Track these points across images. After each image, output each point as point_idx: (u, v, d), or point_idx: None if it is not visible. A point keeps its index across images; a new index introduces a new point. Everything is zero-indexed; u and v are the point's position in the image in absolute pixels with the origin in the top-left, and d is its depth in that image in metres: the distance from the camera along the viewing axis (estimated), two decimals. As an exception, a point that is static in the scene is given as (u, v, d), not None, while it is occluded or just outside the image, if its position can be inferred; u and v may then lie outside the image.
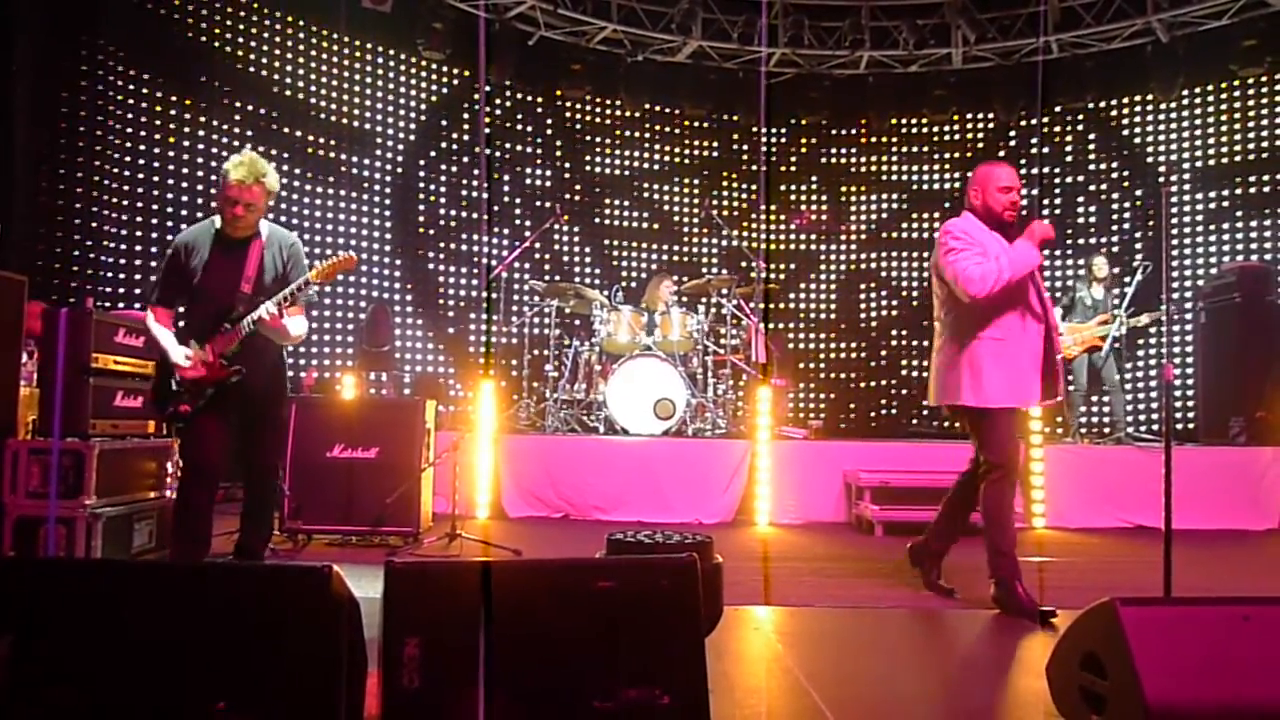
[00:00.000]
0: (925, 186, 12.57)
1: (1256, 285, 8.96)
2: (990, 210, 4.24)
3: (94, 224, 8.29)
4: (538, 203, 11.72)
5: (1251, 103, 10.89)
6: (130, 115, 8.63)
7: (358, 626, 2.13)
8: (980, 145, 12.39)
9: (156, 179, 8.82)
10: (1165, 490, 3.60)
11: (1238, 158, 10.96)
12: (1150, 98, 11.37)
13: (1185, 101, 11.24)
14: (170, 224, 8.85)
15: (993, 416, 4.14)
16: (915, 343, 12.36)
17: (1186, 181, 11.10)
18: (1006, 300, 4.09)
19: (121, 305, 8.23)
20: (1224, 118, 11.04)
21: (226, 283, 4.18)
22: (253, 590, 1.98)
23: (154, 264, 8.70)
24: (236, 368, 4.14)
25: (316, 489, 5.72)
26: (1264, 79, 10.71)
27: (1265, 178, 10.76)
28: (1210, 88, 11.08)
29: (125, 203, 8.58)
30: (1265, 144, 10.78)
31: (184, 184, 9.01)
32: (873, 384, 12.43)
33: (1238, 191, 10.91)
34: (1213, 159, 11.10)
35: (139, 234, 8.66)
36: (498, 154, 11.50)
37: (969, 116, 12.38)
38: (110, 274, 8.44)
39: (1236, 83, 10.88)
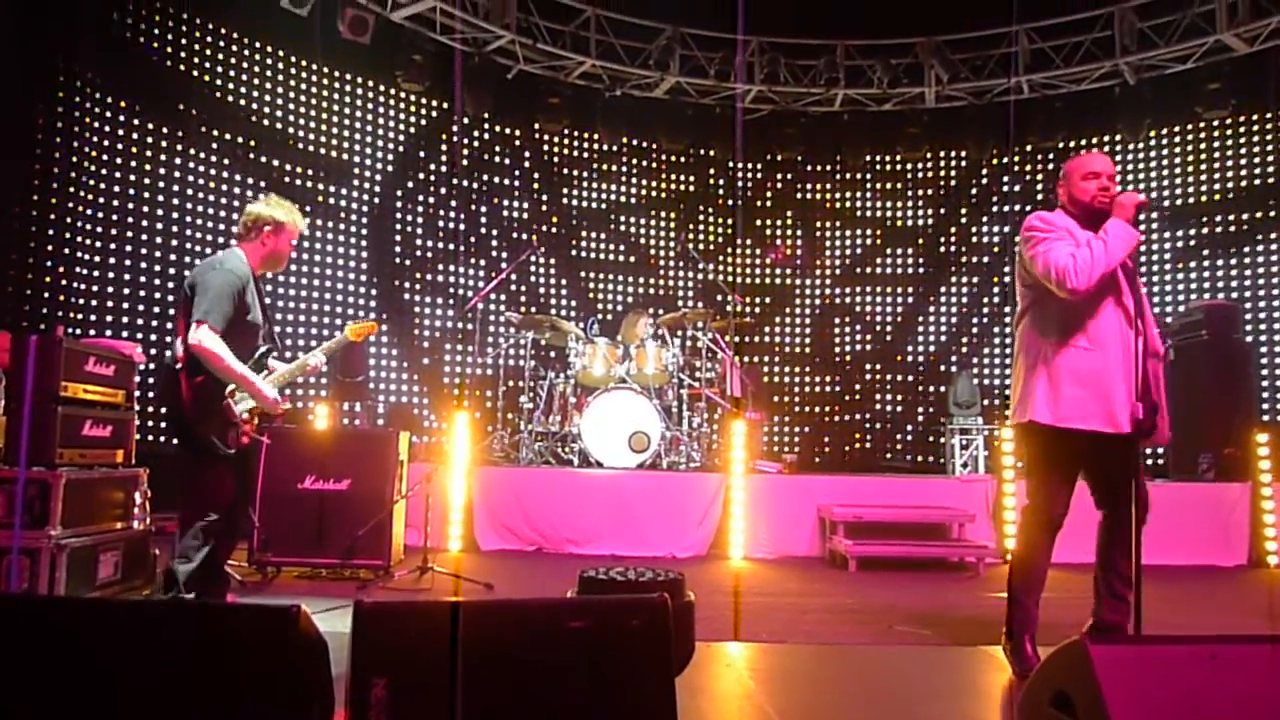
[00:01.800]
0: (899, 223, 12.71)
1: (1224, 323, 9.09)
2: (1078, 200, 3.67)
3: (67, 250, 8.22)
4: (515, 234, 11.75)
5: (1216, 144, 11.13)
6: (106, 143, 8.60)
7: (325, 667, 2.10)
8: (953, 182, 12.57)
9: (131, 206, 8.78)
10: (1135, 529, 3.55)
11: (1204, 197, 11.18)
12: (1119, 138, 11.59)
13: (1153, 142, 11.46)
14: (144, 252, 8.81)
15: (1043, 439, 3.62)
16: (889, 377, 12.46)
17: (1154, 220, 11.29)
18: (1094, 299, 3.50)
19: (93, 333, 8.15)
20: (1190, 158, 11.27)
21: (263, 320, 4.29)
22: (219, 630, 1.95)
23: (126, 291, 8.64)
24: (286, 406, 4.23)
25: (287, 520, 5.66)
26: (1228, 121, 10.96)
27: (1230, 217, 10.98)
28: (1177, 129, 11.32)
29: (99, 230, 8.52)
30: (1230, 184, 11.01)
31: (159, 212, 8.96)
32: (847, 418, 12.49)
33: (1204, 231, 11.11)
34: (1180, 199, 11.31)
35: (112, 261, 8.60)
36: (475, 185, 11.52)
37: (942, 154, 12.56)
38: (82, 301, 8.36)
39: (1202, 125, 11.11)
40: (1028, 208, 12.07)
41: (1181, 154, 11.34)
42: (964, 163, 12.48)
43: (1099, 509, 3.74)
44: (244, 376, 4.03)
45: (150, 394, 8.58)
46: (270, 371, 4.26)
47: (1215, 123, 11.04)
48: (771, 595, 5.77)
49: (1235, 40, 10.12)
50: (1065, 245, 3.48)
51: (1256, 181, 10.83)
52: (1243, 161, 10.97)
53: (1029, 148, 12.01)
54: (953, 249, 12.49)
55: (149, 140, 8.94)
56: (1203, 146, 11.21)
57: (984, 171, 12.37)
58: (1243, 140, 10.97)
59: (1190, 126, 11.22)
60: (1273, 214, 10.76)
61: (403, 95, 11.10)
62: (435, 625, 1.98)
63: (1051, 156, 12.00)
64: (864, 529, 6.97)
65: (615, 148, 12.18)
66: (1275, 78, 10.07)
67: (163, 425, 8.63)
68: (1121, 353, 3.49)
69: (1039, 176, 12.12)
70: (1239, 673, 2.39)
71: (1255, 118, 10.87)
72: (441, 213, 11.39)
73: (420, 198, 11.29)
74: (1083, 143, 11.79)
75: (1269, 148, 10.81)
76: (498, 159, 11.82)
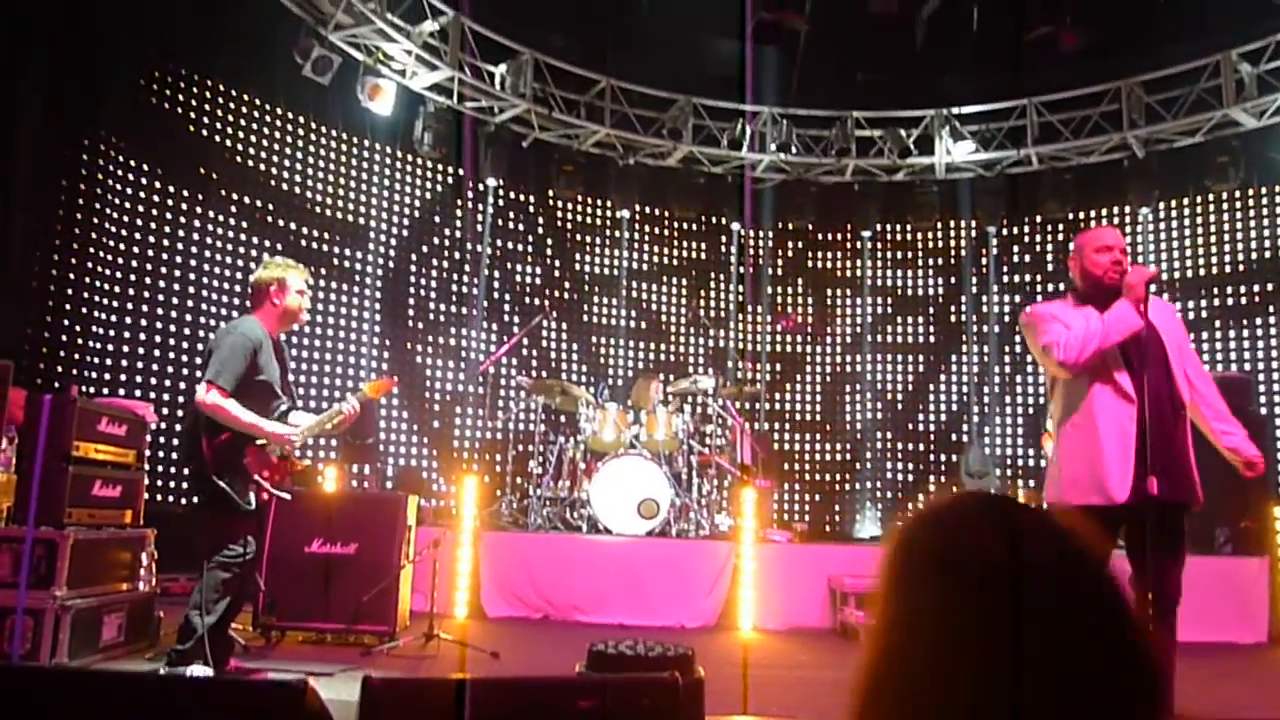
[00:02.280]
0: (909, 292, 12.76)
1: (1237, 395, 9.01)
2: (1089, 275, 3.72)
3: (85, 310, 8.30)
4: (527, 299, 11.83)
5: (1225, 216, 11.18)
6: (127, 205, 8.73)
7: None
8: (963, 252, 12.64)
9: (149, 267, 8.88)
10: (1155, 602, 3.49)
11: (1214, 269, 11.21)
12: (1128, 210, 11.66)
13: (1162, 214, 11.53)
14: (161, 313, 8.89)
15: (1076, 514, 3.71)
16: (900, 446, 12.39)
17: (1165, 292, 11.31)
18: (1089, 377, 3.58)
19: (107, 392, 8.20)
20: (1200, 230, 11.33)
21: (283, 380, 4.50)
22: (225, 704, 1.93)
23: (141, 351, 8.70)
24: (308, 463, 4.41)
25: (293, 584, 5.62)
26: (1236, 194, 11.03)
27: (1242, 289, 10.99)
28: (1185, 201, 11.39)
29: (117, 290, 8.61)
30: (1240, 256, 11.04)
31: (176, 273, 9.06)
32: (857, 486, 12.40)
33: (1215, 302, 11.12)
34: (1190, 270, 11.34)
35: (128, 321, 8.67)
36: (489, 251, 11.63)
37: (952, 224, 12.65)
38: (98, 360, 8.42)
39: (1210, 197, 11.19)
40: (1038, 278, 12.14)
41: (1191, 226, 11.40)
42: (974, 233, 12.55)
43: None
44: (253, 424, 4.21)
45: (161, 454, 8.62)
46: (295, 426, 4.41)
47: (1224, 195, 11.11)
48: (782, 668, 5.68)
49: (1243, 115, 10.23)
50: (1058, 324, 3.62)
51: (1267, 254, 10.86)
52: (1253, 234, 11.00)
53: (1039, 218, 12.09)
54: (963, 318, 12.51)
55: (169, 203, 9.07)
56: (1212, 219, 11.27)
57: (994, 242, 12.44)
58: (1252, 213, 11.03)
59: (1199, 199, 11.30)
60: (1285, 286, 10.78)
61: (419, 162, 11.27)
62: (444, 702, 1.95)
63: (1061, 227, 12.07)
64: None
65: (628, 214, 12.31)
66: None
67: (183, 485, 8.65)
68: (1115, 425, 3.50)
69: (1049, 247, 12.18)
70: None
71: (1265, 190, 10.94)
72: (455, 277, 11.48)
73: (434, 262, 11.40)
74: (1092, 214, 11.87)
75: (1277, 220, 10.86)
76: (512, 224, 11.94)
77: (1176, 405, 3.60)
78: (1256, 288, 10.92)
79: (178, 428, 8.82)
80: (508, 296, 11.79)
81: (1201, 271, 11.28)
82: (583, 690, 2.06)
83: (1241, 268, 11.03)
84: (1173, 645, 3.47)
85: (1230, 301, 11.05)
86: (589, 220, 12.42)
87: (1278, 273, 10.82)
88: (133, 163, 8.79)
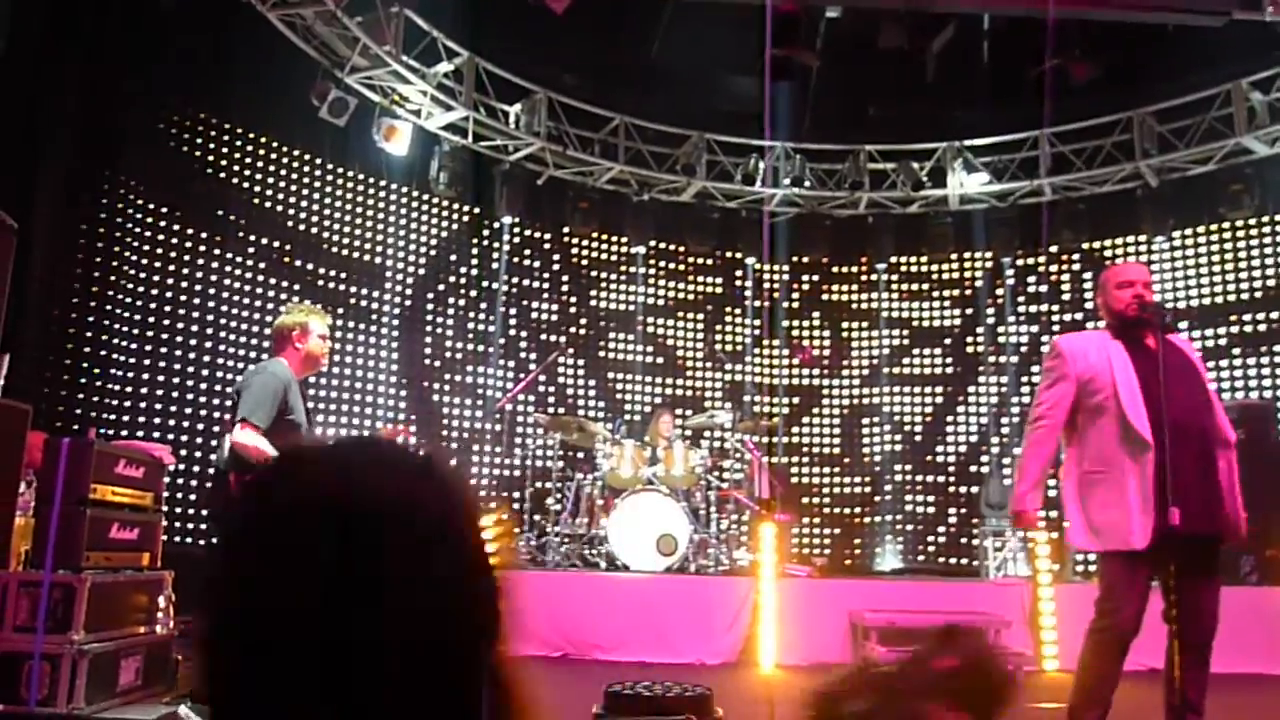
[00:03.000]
0: (926, 323, 12.71)
1: (1260, 422, 8.94)
2: (1113, 310, 3.80)
3: (103, 353, 8.38)
4: (543, 336, 11.85)
5: (1241, 245, 11.12)
6: (146, 248, 8.83)
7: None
8: (979, 283, 12.60)
9: (168, 309, 8.96)
10: (1182, 635, 3.41)
11: (1230, 297, 11.13)
12: (1143, 239, 11.62)
13: (1177, 243, 11.47)
14: (179, 354, 8.95)
15: (1100, 560, 3.74)
16: (919, 478, 12.28)
17: (1183, 319, 11.23)
18: (1104, 425, 3.63)
19: (125, 434, 8.24)
20: (1215, 259, 11.26)
21: (306, 422, 4.60)
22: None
23: (160, 393, 8.75)
24: None
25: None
26: (1251, 221, 10.98)
27: (1260, 316, 10.90)
28: (1200, 229, 11.34)
29: (135, 332, 8.69)
30: (1258, 284, 10.96)
31: (194, 314, 9.14)
32: (877, 519, 12.30)
33: (1234, 330, 11.02)
34: (1207, 298, 11.26)
35: (147, 363, 8.74)
36: (505, 288, 11.68)
37: (967, 255, 12.62)
38: (116, 401, 8.48)
39: (1225, 225, 11.14)
40: (1054, 308, 12.08)
41: (1207, 254, 11.33)
42: (989, 263, 12.52)
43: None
44: None
45: (180, 495, 8.64)
46: None
47: (1239, 223, 11.06)
48: (802, 705, 5.59)
49: (1255, 143, 10.21)
50: (1044, 396, 3.83)
51: (1284, 282, 10.81)
52: (1269, 260, 10.94)
53: (1054, 248, 12.05)
54: (980, 349, 12.45)
55: (187, 245, 9.17)
56: (1228, 246, 11.21)
57: (1009, 272, 12.40)
58: (1267, 240, 10.97)
59: (1214, 227, 11.25)
60: (1301, 313, 10.71)
61: (435, 201, 11.36)
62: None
63: (1076, 257, 12.03)
64: (897, 635, 6.78)
65: (643, 250, 12.34)
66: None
67: (202, 526, 8.67)
68: (1134, 473, 3.49)
69: (1064, 277, 12.13)
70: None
71: (1279, 218, 10.89)
72: (471, 315, 11.52)
73: (451, 300, 11.44)
74: (1107, 244, 11.83)
75: (1293, 248, 10.82)
76: (527, 261, 11.99)
77: (1209, 437, 3.57)
78: (1275, 315, 10.83)
79: (195, 469, 8.86)
80: (524, 334, 11.80)
81: (1219, 299, 11.20)
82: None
83: (1259, 294, 10.94)
84: (1205, 679, 3.41)
85: (1249, 329, 10.96)
86: (604, 256, 12.46)
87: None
88: (151, 205, 8.90)
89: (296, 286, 9.90)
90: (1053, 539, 7.71)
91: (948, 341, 12.58)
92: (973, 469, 12.11)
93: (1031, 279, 12.29)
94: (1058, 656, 6.94)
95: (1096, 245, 11.88)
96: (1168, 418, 3.43)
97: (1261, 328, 10.87)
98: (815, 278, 12.92)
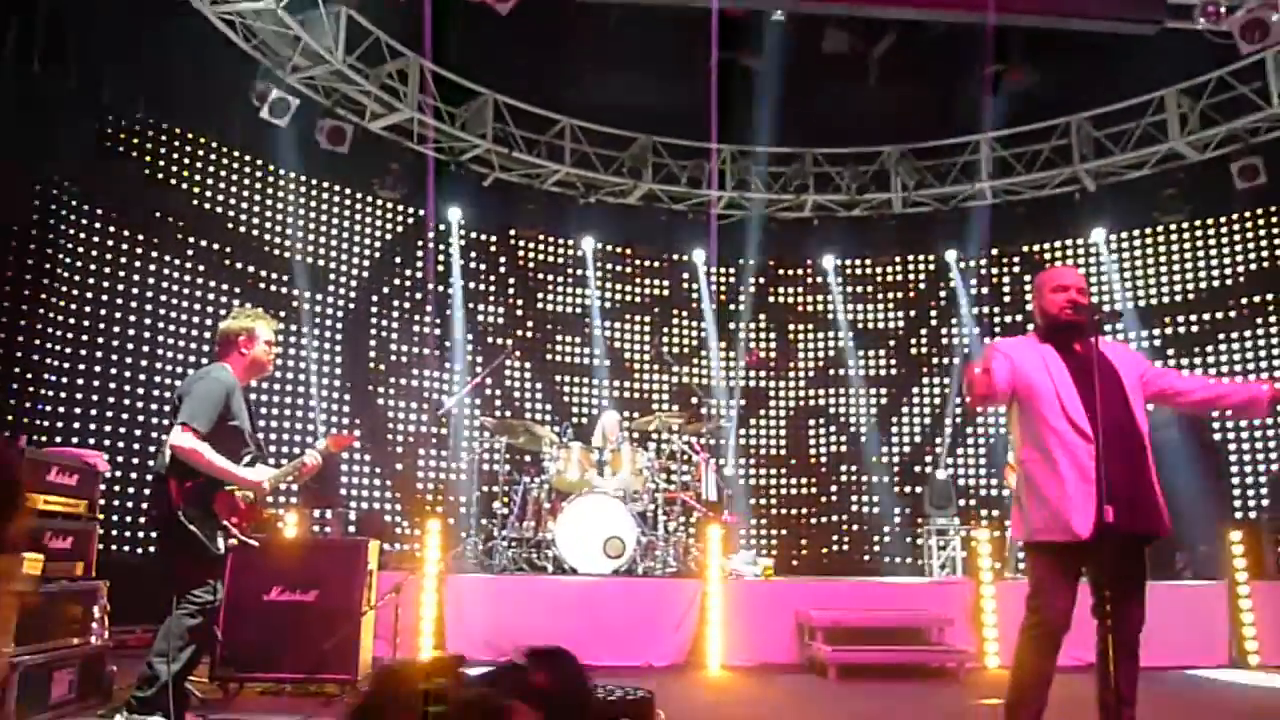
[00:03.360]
0: (870, 325, 12.87)
1: (1194, 422, 9.19)
2: (1046, 314, 3.80)
3: (35, 357, 8.16)
4: (489, 339, 11.78)
5: (1175, 247, 11.44)
6: (80, 250, 8.63)
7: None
8: (922, 285, 12.78)
9: (104, 313, 8.76)
10: (1116, 632, 3.48)
11: (1165, 299, 11.44)
12: (1080, 241, 11.90)
13: (1113, 246, 11.76)
14: (115, 358, 8.75)
15: (1031, 555, 3.72)
16: (865, 478, 12.42)
17: (1120, 321, 11.49)
18: (1048, 416, 3.63)
19: (59, 441, 8.03)
20: (1150, 262, 11.57)
21: (253, 427, 4.50)
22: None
23: (95, 399, 8.55)
24: (275, 513, 4.43)
25: (251, 634, 5.49)
26: (1184, 225, 11.30)
27: (1193, 318, 11.23)
28: (1136, 233, 11.63)
29: (70, 336, 8.48)
30: (1190, 286, 11.30)
31: (131, 318, 8.94)
32: (824, 520, 12.41)
33: (1168, 331, 11.33)
34: (1142, 300, 11.55)
35: (82, 368, 8.53)
36: (450, 291, 11.58)
37: (910, 258, 12.80)
38: (49, 407, 8.26)
39: (1160, 229, 11.45)
40: (996, 309, 12.29)
41: (1142, 257, 11.63)
42: (932, 266, 12.71)
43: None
44: (224, 469, 4.19)
45: (116, 503, 8.45)
46: (274, 472, 4.46)
47: (1173, 227, 11.37)
48: (749, 705, 5.63)
49: (1187, 149, 10.50)
50: (995, 362, 3.68)
51: (1215, 283, 11.13)
52: (1200, 264, 11.27)
53: (995, 251, 12.27)
54: (924, 350, 12.63)
55: (124, 248, 8.97)
56: (1162, 250, 11.52)
57: (951, 275, 12.59)
58: (1199, 244, 11.30)
59: (1149, 230, 11.55)
60: (1233, 314, 11.02)
61: (379, 203, 11.24)
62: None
63: (1017, 259, 12.27)
64: (843, 634, 6.85)
65: (590, 253, 12.33)
66: (1227, 184, 10.42)
67: (139, 534, 8.49)
68: (1074, 462, 3.52)
69: (1005, 279, 12.36)
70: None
71: (1210, 222, 11.22)
72: (416, 318, 11.41)
73: (395, 303, 11.33)
74: (1046, 246, 12.09)
75: (1224, 250, 11.14)
76: (473, 264, 11.91)
77: (1137, 438, 3.63)
78: (1207, 316, 11.15)
79: (134, 475, 8.67)
80: (470, 336, 11.73)
81: (1154, 301, 11.50)
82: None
83: (1192, 296, 11.27)
84: (1135, 672, 3.49)
85: (1182, 330, 11.28)
86: (551, 259, 12.43)
87: (1226, 301, 11.07)
88: (86, 207, 8.70)
89: (238, 290, 9.74)
90: (994, 538, 7.85)
91: (892, 343, 12.75)
92: (917, 469, 12.28)
93: (974, 281, 12.50)
94: (999, 654, 7.06)
95: (1036, 248, 12.12)
96: (1101, 417, 3.48)
97: (1195, 329, 11.20)
98: (761, 280, 13.01)
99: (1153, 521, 3.55)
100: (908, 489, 12.20)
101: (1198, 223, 11.27)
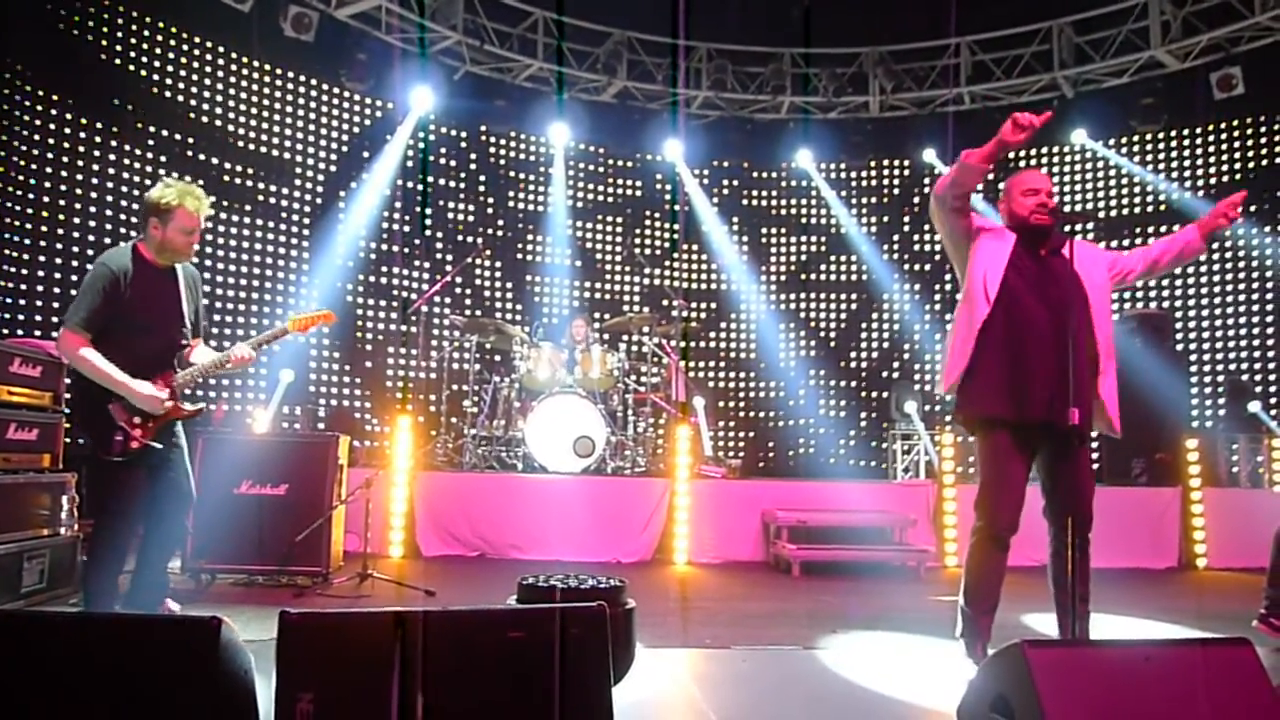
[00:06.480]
0: (843, 230, 12.82)
1: (1155, 332, 9.31)
2: (1016, 217, 3.79)
3: (-8, 248, 7.97)
4: (460, 237, 11.63)
5: (1149, 157, 11.42)
6: (35, 137, 8.34)
7: (248, 680, 2.04)
8: (896, 191, 12.72)
9: (63, 204, 8.53)
10: (1073, 533, 3.59)
11: (1138, 209, 11.47)
12: (1056, 150, 11.84)
13: (1089, 154, 11.72)
14: (75, 250, 8.56)
15: (978, 444, 3.73)
16: (832, 383, 12.55)
17: (1090, 231, 11.53)
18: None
19: (20, 333, 7.90)
20: (1125, 171, 11.55)
21: (168, 315, 3.95)
22: (138, 643, 1.88)
23: (57, 290, 8.39)
24: (199, 406, 3.98)
25: (222, 527, 5.52)
26: (1160, 135, 11.26)
27: (1164, 229, 11.24)
28: (1112, 142, 11.59)
29: (29, 227, 8.27)
30: (1163, 197, 11.31)
31: (91, 209, 8.71)
32: (791, 423, 12.56)
33: (1138, 241, 11.38)
34: (1115, 210, 11.58)
35: (41, 259, 8.34)
36: (420, 187, 11.38)
37: (885, 163, 12.70)
38: (9, 300, 8.10)
39: (1136, 138, 11.41)
40: (969, 217, 12.26)
41: (1117, 166, 11.61)
42: (907, 171, 12.63)
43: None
44: (109, 375, 3.73)
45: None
46: (191, 366, 4.04)
47: (1149, 137, 11.33)
48: (715, 600, 5.76)
49: (1167, 57, 10.41)
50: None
51: (1188, 194, 11.15)
52: (1174, 175, 11.27)
53: (970, 158, 12.17)
54: (895, 257, 12.63)
55: (82, 136, 8.69)
56: (1136, 159, 11.49)
57: (926, 180, 12.53)
58: (1173, 154, 11.28)
59: (1125, 140, 11.50)
60: (1205, 225, 11.06)
61: (346, 94, 10.93)
62: (364, 637, 1.93)
63: (991, 167, 12.17)
64: (808, 534, 7.00)
65: (562, 151, 12.12)
66: (1205, 94, 10.37)
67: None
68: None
69: (980, 186, 12.29)
70: (1173, 675, 2.43)
71: (1186, 132, 11.18)
72: (385, 214, 11.21)
73: (363, 198, 11.10)
74: (1021, 153, 12.01)
75: (1198, 162, 11.13)
76: (443, 160, 11.68)
77: (1094, 344, 3.65)
78: (1177, 227, 11.12)
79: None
80: (440, 234, 11.57)
81: (1125, 211, 11.54)
82: (511, 621, 2.05)
83: (1164, 207, 11.30)
84: (1087, 568, 3.60)
85: (1152, 240, 11.30)
86: (523, 157, 12.22)
87: (1197, 214, 11.06)
88: (40, 92, 8.38)
89: (200, 181, 9.41)
90: (956, 443, 7.99)
91: (864, 249, 12.73)
92: (883, 375, 12.41)
93: (947, 187, 12.41)
94: (958, 554, 7.26)
95: (1013, 155, 12.03)
96: (1048, 320, 3.55)
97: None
98: (735, 182, 12.88)
99: (1076, 418, 3.53)
100: (875, 394, 12.34)
101: (1174, 133, 11.23)
